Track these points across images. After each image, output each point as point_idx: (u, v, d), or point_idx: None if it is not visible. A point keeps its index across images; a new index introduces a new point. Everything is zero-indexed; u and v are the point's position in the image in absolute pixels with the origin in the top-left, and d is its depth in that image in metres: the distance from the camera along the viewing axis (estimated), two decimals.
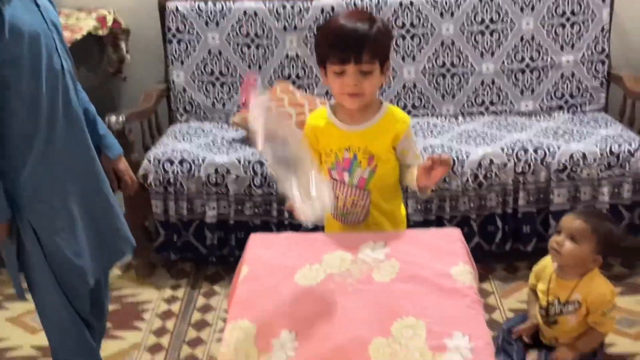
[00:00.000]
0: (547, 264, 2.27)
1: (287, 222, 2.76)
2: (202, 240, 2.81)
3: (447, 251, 1.74)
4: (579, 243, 2.11)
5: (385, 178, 1.93)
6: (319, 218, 1.60)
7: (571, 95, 3.18)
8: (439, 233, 1.84)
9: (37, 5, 1.67)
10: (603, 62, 3.15)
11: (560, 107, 3.19)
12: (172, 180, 2.73)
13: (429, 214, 2.74)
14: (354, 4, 3.13)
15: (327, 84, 1.90)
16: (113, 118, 2.65)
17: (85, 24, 3.03)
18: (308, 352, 1.42)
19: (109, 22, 3.19)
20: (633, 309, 2.56)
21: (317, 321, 1.50)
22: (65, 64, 1.75)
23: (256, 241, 1.82)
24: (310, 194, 1.57)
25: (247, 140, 2.91)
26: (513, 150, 2.71)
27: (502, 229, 2.76)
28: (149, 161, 2.75)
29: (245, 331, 1.48)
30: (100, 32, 3.12)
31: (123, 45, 3.31)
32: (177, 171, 2.73)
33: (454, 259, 1.69)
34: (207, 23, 3.16)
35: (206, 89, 3.22)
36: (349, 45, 1.74)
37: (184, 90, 3.22)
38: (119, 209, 2.00)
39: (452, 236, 1.80)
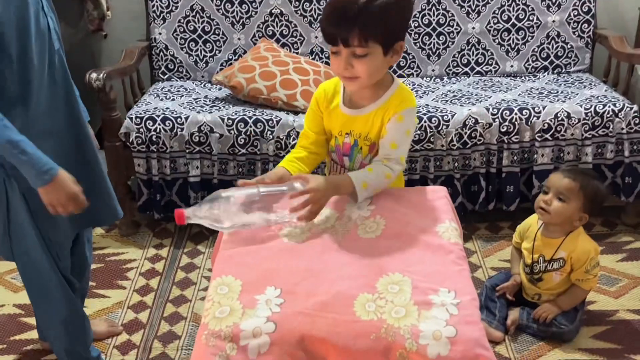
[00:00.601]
0: (532, 222, 2.27)
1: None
2: (185, 200, 2.77)
3: (432, 208, 1.71)
4: (567, 201, 2.11)
5: None
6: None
7: (556, 56, 3.15)
8: (425, 191, 1.80)
9: None
10: (588, 22, 3.12)
11: (545, 68, 3.16)
12: (154, 138, 2.67)
13: (413, 173, 2.72)
14: None
15: None
16: (94, 75, 2.58)
17: None
18: (293, 307, 1.39)
19: None
20: (614, 267, 2.57)
21: (302, 278, 1.47)
22: (52, 22, 1.71)
23: None
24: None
25: (231, 99, 2.86)
26: (498, 110, 2.68)
27: (486, 188, 2.75)
28: (131, 119, 2.69)
29: (230, 287, 1.45)
30: None
31: (104, 1, 3.22)
32: (160, 129, 2.67)
33: (440, 216, 1.67)
34: None
35: (189, 46, 3.15)
36: (337, 26, 1.58)
37: (166, 48, 3.14)
38: (104, 172, 1.97)
39: (437, 194, 1.77)
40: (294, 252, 1.56)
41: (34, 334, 2.26)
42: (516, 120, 2.66)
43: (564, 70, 3.16)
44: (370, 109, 1.71)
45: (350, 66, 1.60)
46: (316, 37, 3.12)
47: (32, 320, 2.28)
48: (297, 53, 3.11)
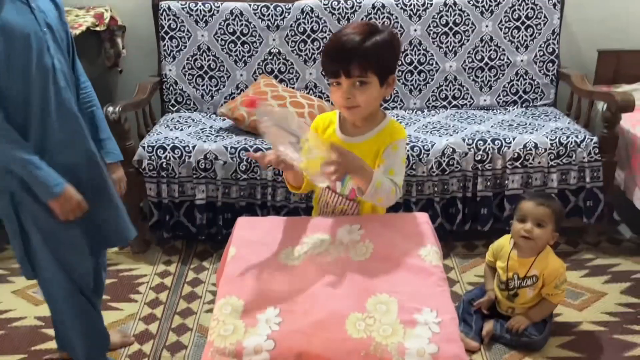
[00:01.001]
0: (504, 243, 2.26)
1: (269, 204, 2.71)
2: (192, 220, 2.76)
3: (416, 233, 1.71)
4: (545, 226, 2.11)
5: None
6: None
7: (524, 91, 3.17)
8: (408, 217, 1.81)
9: (30, 8, 1.63)
10: (553, 62, 3.14)
11: (515, 102, 3.18)
12: (164, 165, 2.66)
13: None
14: (331, 5, 3.07)
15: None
16: (110, 108, 2.57)
17: (84, 21, 2.93)
18: (290, 326, 1.38)
19: (106, 19, 3.10)
20: (577, 282, 2.57)
21: (299, 298, 1.47)
22: (58, 63, 1.69)
23: (243, 224, 1.77)
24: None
25: (234, 129, 2.86)
26: (473, 140, 2.69)
27: (463, 211, 2.75)
28: (144, 148, 2.68)
29: (233, 307, 1.45)
30: (98, 28, 3.02)
31: (119, 40, 3.22)
32: (170, 157, 2.66)
33: (422, 240, 1.67)
34: (197, 21, 3.08)
35: (196, 82, 3.15)
36: (338, 59, 1.61)
37: (176, 83, 3.14)
38: (119, 201, 1.96)
39: (420, 219, 1.77)
40: (292, 274, 1.56)
41: (53, 344, 2.23)
42: (489, 149, 2.67)
43: (531, 104, 3.17)
44: (365, 138, 1.72)
45: (352, 96, 1.62)
46: (310, 73, 3.13)
47: (51, 331, 2.24)
48: (293, 88, 3.11)
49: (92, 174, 1.82)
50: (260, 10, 3.07)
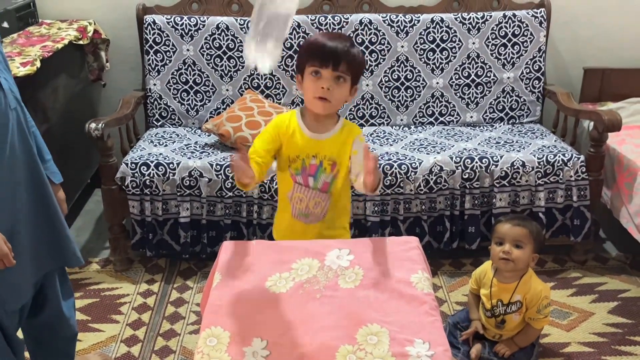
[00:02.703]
0: (486, 269, 2.21)
1: (255, 222, 2.65)
2: (176, 238, 2.68)
3: (406, 258, 1.66)
4: (524, 247, 2.07)
5: (342, 181, 1.91)
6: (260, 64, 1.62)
7: (511, 108, 3.14)
8: (398, 241, 1.76)
9: None
10: (539, 79, 3.12)
11: (501, 119, 3.15)
12: (148, 182, 2.59)
13: (385, 215, 2.67)
14: (318, 21, 3.03)
15: (301, 89, 1.86)
16: (93, 125, 2.50)
17: (67, 34, 2.85)
18: (279, 359, 1.32)
19: (90, 33, 3.02)
20: (564, 301, 2.54)
21: (287, 328, 1.40)
22: (5, 82, 1.54)
23: (228, 248, 1.71)
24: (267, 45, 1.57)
25: (219, 145, 2.79)
26: (460, 158, 2.65)
27: (450, 229, 2.71)
28: (127, 165, 2.60)
29: (219, 339, 1.38)
30: (82, 42, 2.95)
31: (103, 54, 3.15)
32: (153, 174, 2.59)
33: (413, 266, 1.62)
34: (182, 35, 3.02)
35: (181, 96, 3.08)
36: (331, 52, 1.74)
37: (160, 97, 3.07)
38: (65, 226, 1.77)
39: (410, 244, 1.72)
40: (279, 302, 1.50)
41: None
42: (477, 168, 2.63)
43: (517, 121, 3.15)
44: (330, 135, 1.86)
45: (331, 88, 1.75)
46: (296, 89, 3.08)
47: None
48: (279, 103, 3.06)
49: (40, 196, 1.66)
50: (247, 25, 3.01)
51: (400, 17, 3.05)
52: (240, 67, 3.05)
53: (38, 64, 2.42)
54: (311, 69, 1.77)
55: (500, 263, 2.08)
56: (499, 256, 2.07)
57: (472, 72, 3.10)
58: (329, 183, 1.89)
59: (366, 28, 3.04)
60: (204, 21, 3.01)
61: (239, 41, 3.02)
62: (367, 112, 3.11)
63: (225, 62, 3.05)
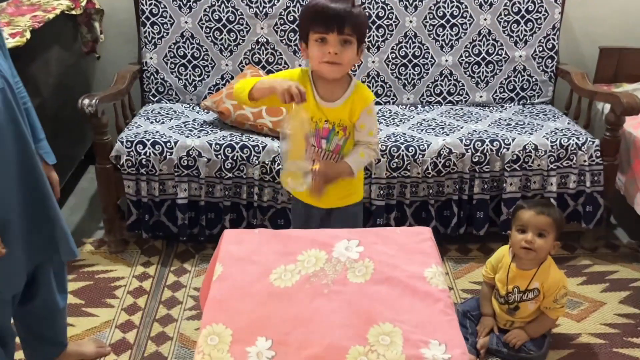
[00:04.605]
0: (504, 254, 2.13)
1: (256, 205, 2.55)
2: (173, 220, 2.58)
3: (419, 251, 1.57)
4: (547, 236, 1.99)
5: (354, 143, 1.93)
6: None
7: (522, 88, 3.03)
8: (410, 232, 1.67)
9: None
10: (552, 58, 3.00)
11: (512, 99, 3.04)
12: (144, 162, 2.48)
13: (390, 199, 2.57)
14: None
15: (306, 57, 1.85)
16: (86, 101, 2.37)
17: (59, 4, 2.71)
18: None
19: (83, 2, 2.88)
20: (575, 290, 2.46)
21: (293, 327, 1.32)
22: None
23: (230, 237, 1.61)
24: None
25: (218, 123, 2.68)
26: (470, 141, 2.54)
27: (458, 214, 2.61)
28: (122, 143, 2.49)
29: (220, 337, 1.29)
30: (74, 12, 2.81)
31: (97, 25, 3.01)
32: (150, 153, 2.48)
33: (427, 259, 1.53)
34: (180, 7, 2.88)
35: (178, 71, 2.95)
36: (334, 16, 1.72)
37: (157, 72, 2.94)
38: (60, 215, 1.68)
39: (423, 235, 1.63)
40: (285, 298, 1.41)
41: None
42: (487, 151, 2.53)
43: (528, 101, 3.04)
44: (341, 102, 1.86)
45: (339, 52, 1.74)
46: (300, 64, 2.96)
47: None
48: None
49: (31, 179, 1.56)
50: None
51: None
52: (240, 41, 2.92)
53: (28, 35, 2.30)
54: (316, 35, 1.76)
55: (522, 252, 2.00)
56: (521, 245, 1.99)
57: (483, 49, 2.98)
58: (341, 145, 1.91)
59: (373, 2, 2.90)
60: None
61: (239, 14, 2.88)
62: (372, 90, 2.96)
63: (225, 35, 2.91)
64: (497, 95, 3.03)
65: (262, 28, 2.91)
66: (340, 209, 2.02)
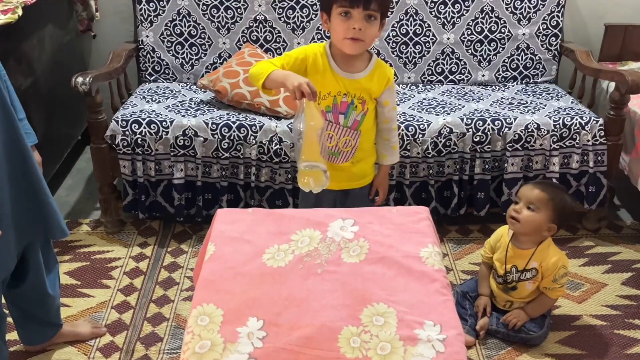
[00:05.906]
0: (502, 233, 2.11)
1: (253, 185, 2.52)
2: (169, 201, 2.56)
3: (415, 230, 1.54)
4: (537, 211, 1.96)
5: (371, 120, 1.95)
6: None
7: (525, 67, 2.98)
8: (407, 211, 1.64)
9: None
10: (556, 36, 2.95)
11: (514, 78, 2.99)
12: (140, 141, 2.45)
13: (389, 179, 2.53)
14: None
15: (327, 29, 1.84)
16: (80, 79, 2.34)
17: None
18: (275, 342, 1.21)
19: None
20: (576, 271, 2.43)
21: (285, 307, 1.29)
22: None
23: (223, 216, 1.59)
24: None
25: (215, 102, 2.65)
26: (472, 120, 2.50)
27: (458, 194, 2.58)
28: (117, 122, 2.46)
29: (211, 317, 1.27)
30: None
31: (92, 3, 2.97)
32: (145, 133, 2.45)
33: (423, 239, 1.50)
34: None
35: (175, 49, 2.91)
36: None
37: (153, 50, 2.90)
38: (49, 194, 1.66)
39: (419, 215, 1.60)
40: (277, 278, 1.38)
41: None
42: (489, 130, 2.49)
43: (531, 80, 2.99)
44: (363, 74, 1.86)
45: (363, 27, 1.72)
46: (298, 43, 2.91)
47: None
48: None
49: (21, 162, 1.54)
50: None
51: None
52: (238, 19, 2.87)
53: (20, 11, 2.25)
54: (340, 9, 1.73)
55: (509, 221, 2.00)
56: (510, 214, 1.99)
57: (486, 27, 2.93)
58: (359, 121, 1.91)
59: None
60: None
61: None
62: None
63: (222, 13, 2.87)
64: (499, 74, 2.98)
65: (259, 5, 2.86)
66: (356, 190, 2.06)
